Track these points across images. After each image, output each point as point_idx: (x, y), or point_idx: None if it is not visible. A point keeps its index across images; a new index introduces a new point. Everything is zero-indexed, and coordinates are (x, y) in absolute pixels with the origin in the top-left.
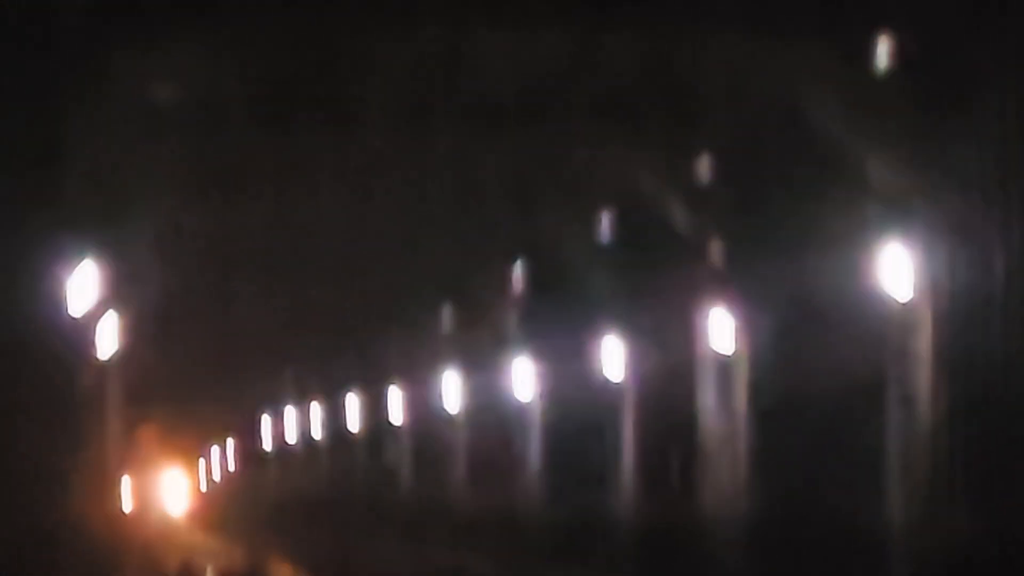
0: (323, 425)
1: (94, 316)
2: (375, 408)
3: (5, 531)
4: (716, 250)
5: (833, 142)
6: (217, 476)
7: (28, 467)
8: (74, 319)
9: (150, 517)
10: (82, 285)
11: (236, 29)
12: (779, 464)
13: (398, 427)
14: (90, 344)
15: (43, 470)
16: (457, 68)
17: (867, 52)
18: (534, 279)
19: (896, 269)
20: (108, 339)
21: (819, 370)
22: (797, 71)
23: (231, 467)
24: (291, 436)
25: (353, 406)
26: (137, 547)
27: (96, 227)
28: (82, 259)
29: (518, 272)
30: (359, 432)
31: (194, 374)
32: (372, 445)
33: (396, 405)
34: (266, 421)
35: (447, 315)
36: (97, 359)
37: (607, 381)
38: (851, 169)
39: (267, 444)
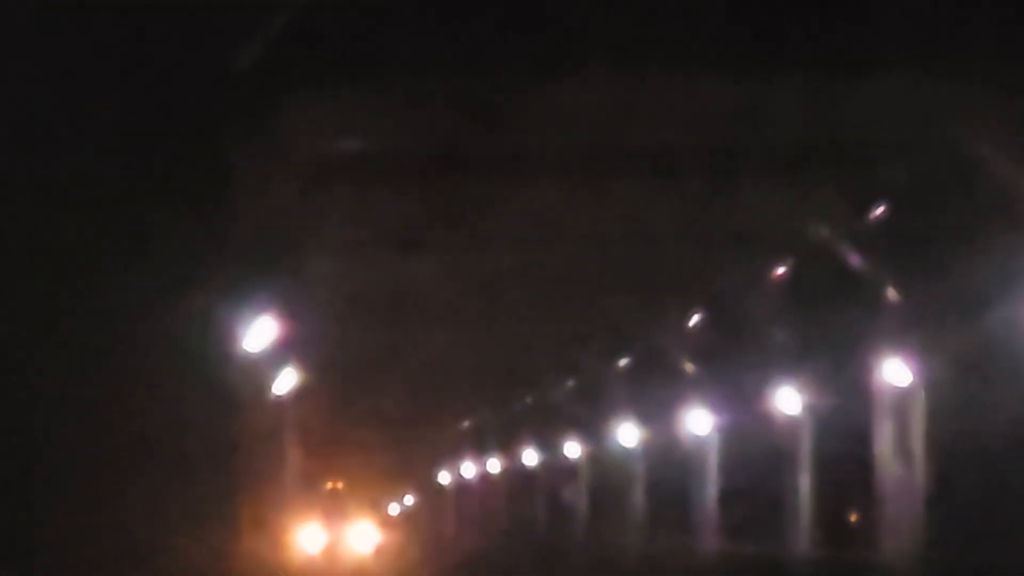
0: (503, 469)
1: (271, 361)
2: (554, 452)
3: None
4: (892, 294)
5: (1008, 183)
6: (397, 520)
7: (193, 504)
8: (252, 362)
9: (329, 561)
10: (261, 333)
11: (409, 80)
12: (959, 505)
13: (576, 469)
14: (267, 387)
15: (209, 508)
16: (629, 117)
17: None
18: (711, 324)
19: None
20: (285, 383)
21: (998, 412)
22: (969, 113)
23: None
24: (471, 479)
25: (532, 451)
26: None
27: (273, 278)
28: (261, 308)
29: (695, 318)
30: (538, 474)
31: (372, 422)
32: (552, 490)
33: (574, 449)
34: (446, 468)
35: (625, 361)
36: (273, 400)
37: (783, 421)
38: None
39: (447, 487)
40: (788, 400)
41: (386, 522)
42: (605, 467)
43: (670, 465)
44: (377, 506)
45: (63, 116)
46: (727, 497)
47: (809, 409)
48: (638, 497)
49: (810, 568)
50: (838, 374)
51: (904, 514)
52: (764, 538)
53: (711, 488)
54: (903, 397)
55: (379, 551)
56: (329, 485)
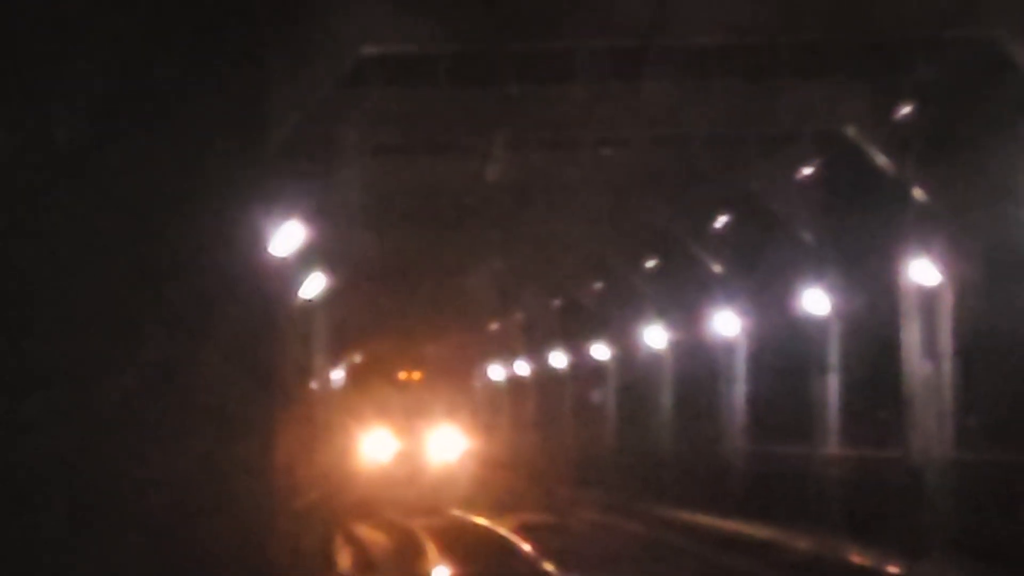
0: (532, 373)
1: (298, 264)
2: (583, 356)
3: (183, 465)
4: (921, 193)
5: None
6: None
7: (216, 404)
8: (279, 265)
9: (405, 472)
10: (289, 236)
11: None
12: (987, 405)
13: (606, 372)
14: (293, 289)
15: (231, 409)
16: (662, 18)
17: None
18: (739, 226)
19: None
20: (312, 286)
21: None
22: (999, 11)
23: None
24: (500, 383)
25: (561, 355)
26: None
27: (306, 180)
28: (290, 213)
29: (724, 219)
30: (568, 377)
31: (400, 326)
32: (581, 392)
33: (604, 352)
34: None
35: (654, 262)
36: (300, 302)
37: (810, 321)
38: None
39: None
40: (817, 301)
41: (472, 425)
42: (635, 372)
43: (698, 366)
44: (459, 405)
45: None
46: (755, 399)
47: (837, 310)
48: (667, 399)
49: (839, 468)
50: (867, 275)
51: (932, 414)
52: (793, 439)
53: (739, 390)
54: (931, 297)
55: (465, 460)
56: (402, 375)
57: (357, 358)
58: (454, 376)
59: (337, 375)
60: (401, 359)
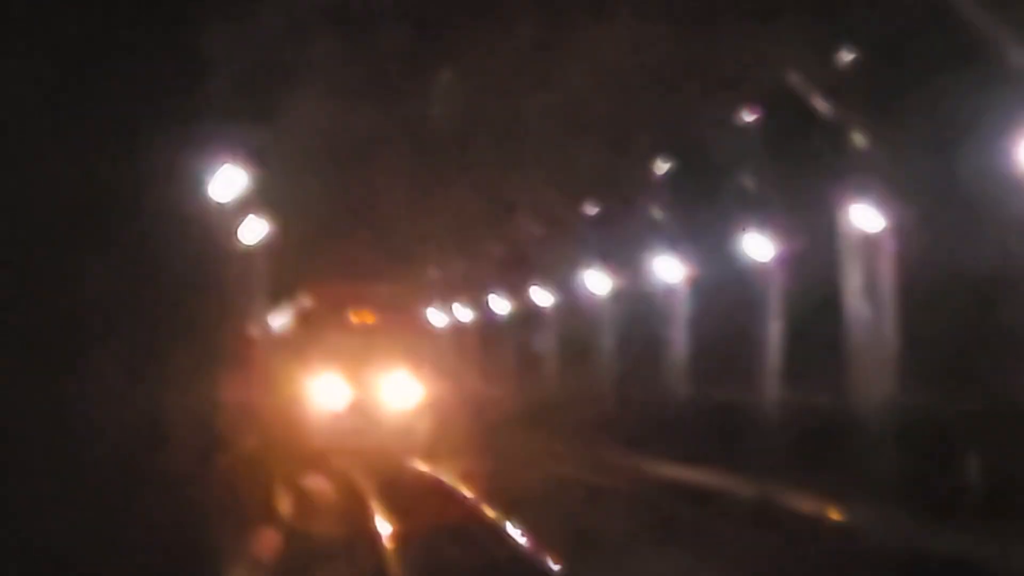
0: (472, 317)
1: (239, 209)
2: (522, 298)
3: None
4: (862, 139)
5: (976, 26)
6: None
7: (157, 350)
8: (219, 210)
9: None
10: (228, 181)
11: None
12: (928, 350)
13: (547, 318)
14: (233, 234)
15: (172, 355)
16: None
17: None
18: (681, 172)
19: None
20: (252, 230)
21: (966, 255)
22: None
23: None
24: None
25: (500, 298)
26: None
27: (244, 126)
28: (229, 156)
29: (665, 164)
30: (507, 321)
31: (341, 271)
32: (519, 334)
33: (545, 298)
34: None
35: (595, 208)
36: (241, 247)
37: (752, 267)
38: (994, 57)
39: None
40: (758, 247)
41: (430, 370)
42: (574, 316)
43: (640, 313)
44: (418, 347)
45: None
46: (698, 344)
47: (779, 255)
48: (609, 345)
49: (781, 412)
50: (808, 220)
51: (874, 359)
52: (735, 384)
53: (681, 335)
54: (873, 242)
55: (423, 408)
56: (354, 318)
57: (305, 300)
58: (408, 320)
59: (283, 320)
60: (352, 300)
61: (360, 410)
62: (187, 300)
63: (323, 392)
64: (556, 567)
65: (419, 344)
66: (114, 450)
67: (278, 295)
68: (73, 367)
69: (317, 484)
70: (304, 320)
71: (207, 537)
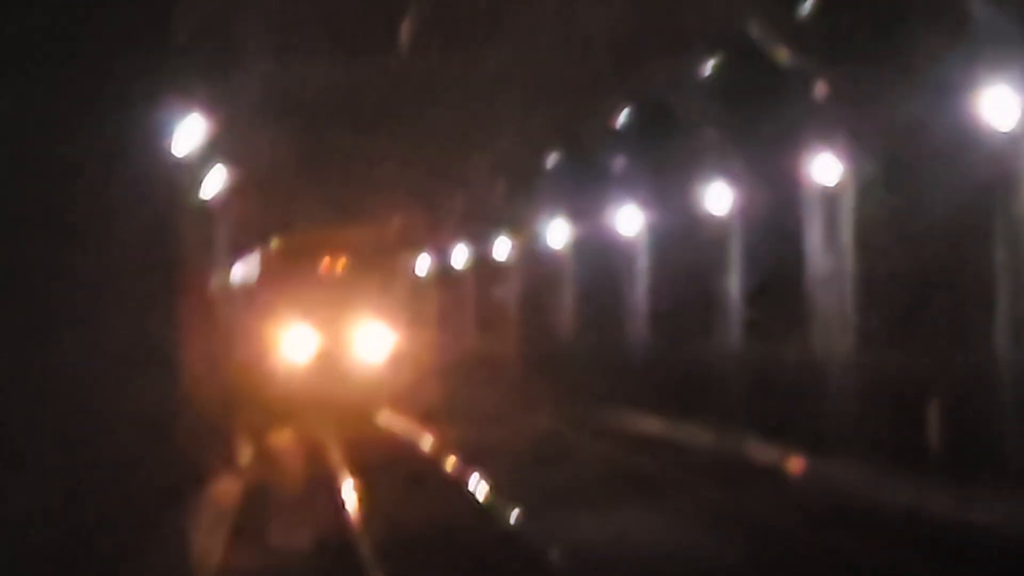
0: (433, 268)
1: (200, 164)
2: (484, 251)
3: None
4: (822, 89)
5: None
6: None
7: (127, 304)
8: (179, 163)
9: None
10: (188, 133)
11: None
12: (885, 298)
13: (509, 269)
14: (195, 190)
15: (142, 307)
16: None
17: None
18: (643, 124)
19: (999, 103)
20: (213, 186)
21: (925, 205)
22: None
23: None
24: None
25: (461, 250)
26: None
27: (204, 78)
28: (189, 109)
29: (625, 115)
30: (468, 273)
31: (303, 222)
32: (484, 289)
33: (503, 248)
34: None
35: (554, 161)
36: (201, 202)
37: (713, 218)
38: (956, 7)
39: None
40: (719, 198)
41: (402, 319)
42: (536, 269)
43: (600, 264)
44: (392, 294)
45: None
46: (659, 295)
47: (740, 207)
48: (570, 296)
49: (741, 364)
50: (769, 172)
51: (834, 311)
52: (696, 335)
53: (643, 286)
54: (833, 194)
55: (395, 360)
56: (325, 264)
57: (273, 247)
58: (382, 265)
59: (249, 270)
60: (323, 246)
61: (329, 362)
62: (152, 253)
63: (291, 344)
64: (515, 519)
65: (394, 291)
66: (76, 406)
67: (242, 247)
68: (39, 318)
69: (281, 437)
70: (271, 268)
71: (168, 487)
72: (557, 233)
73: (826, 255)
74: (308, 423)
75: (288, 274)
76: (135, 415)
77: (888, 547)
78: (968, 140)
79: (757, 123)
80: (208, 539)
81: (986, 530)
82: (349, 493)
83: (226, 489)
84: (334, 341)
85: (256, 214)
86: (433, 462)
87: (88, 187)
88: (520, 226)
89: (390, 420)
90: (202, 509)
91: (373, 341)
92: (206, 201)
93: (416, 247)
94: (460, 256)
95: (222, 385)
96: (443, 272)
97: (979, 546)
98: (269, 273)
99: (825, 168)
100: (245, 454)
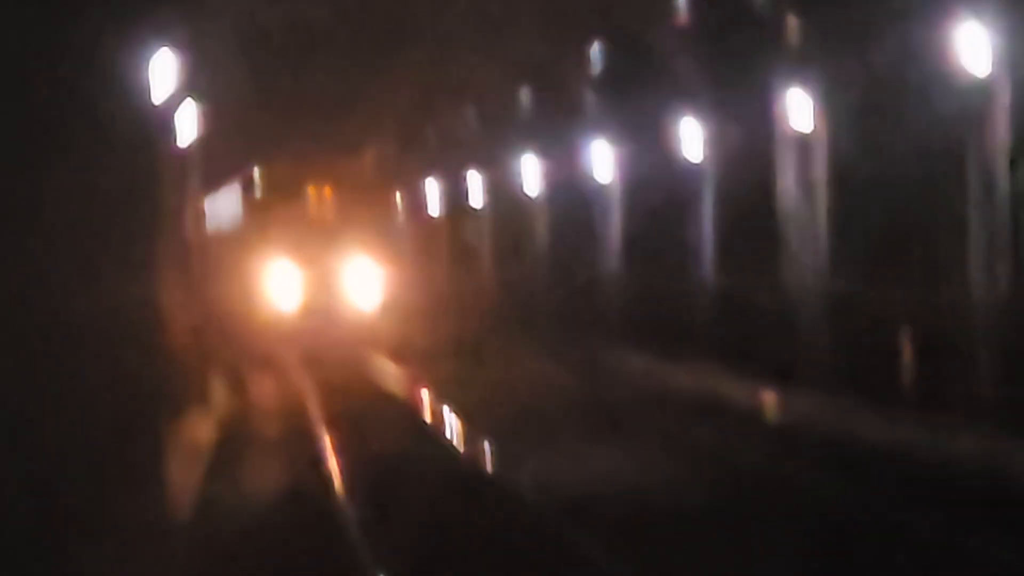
0: (405, 209)
1: (173, 103)
2: (455, 191)
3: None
4: (798, 31)
5: None
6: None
7: (104, 247)
8: (154, 106)
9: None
10: (162, 74)
11: None
12: (859, 235)
13: (478, 209)
14: (169, 130)
15: (119, 251)
16: None
17: None
18: (616, 63)
19: (972, 45)
20: (188, 126)
21: (898, 142)
22: None
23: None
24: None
25: (433, 189)
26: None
27: (178, 15)
28: (161, 48)
29: (597, 54)
30: (439, 210)
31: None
32: (452, 227)
33: (475, 187)
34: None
35: (525, 97)
36: (177, 145)
37: (687, 158)
38: None
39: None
40: (692, 136)
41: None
42: (508, 209)
43: (575, 203)
44: (382, 231)
45: None
46: (631, 230)
47: (714, 145)
48: (543, 235)
49: (713, 299)
50: (743, 113)
51: (807, 250)
52: (668, 271)
53: (615, 221)
54: (806, 134)
55: (385, 300)
56: (311, 192)
57: (256, 181)
58: (372, 200)
59: (231, 207)
60: (309, 179)
61: (316, 303)
62: (132, 195)
63: (275, 284)
64: (491, 466)
65: (383, 228)
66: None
67: (220, 184)
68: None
69: (260, 381)
70: (255, 204)
71: (144, 426)
72: (530, 170)
73: (800, 193)
74: (288, 362)
75: (271, 208)
76: (116, 357)
77: (860, 480)
78: (941, 79)
79: (731, 62)
80: (184, 475)
81: (960, 463)
82: (325, 434)
83: (203, 429)
84: (321, 280)
85: (233, 151)
86: (411, 401)
87: (60, 127)
88: (494, 164)
89: (380, 360)
90: (180, 448)
91: (363, 280)
92: (182, 139)
93: (397, 181)
94: (433, 192)
95: (205, 331)
96: (416, 208)
97: (952, 479)
98: (251, 208)
99: (798, 107)
100: (221, 394)
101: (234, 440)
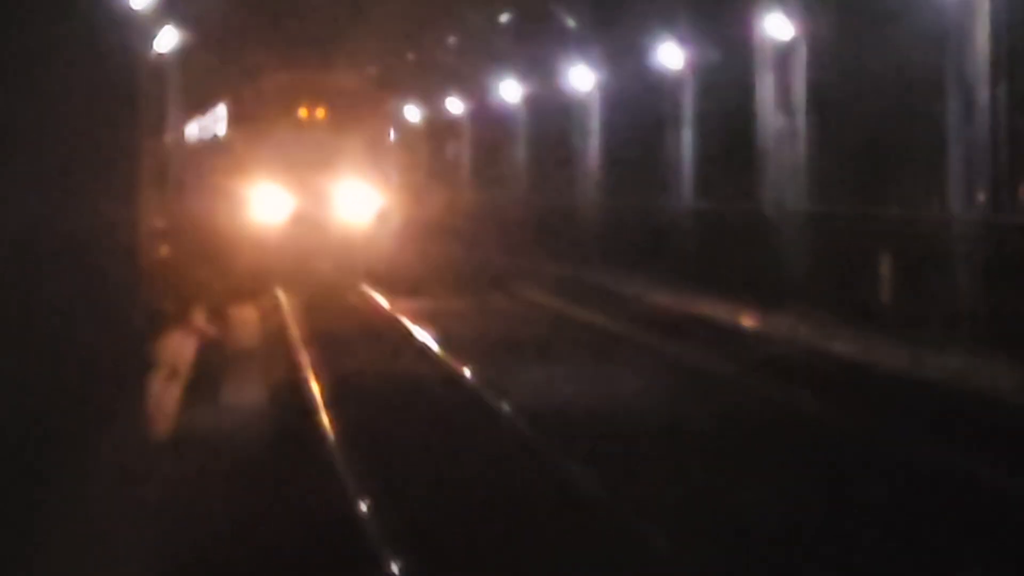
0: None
1: (154, 17)
2: (439, 111)
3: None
4: None
5: None
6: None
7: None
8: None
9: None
10: None
11: None
12: (837, 155)
13: (461, 127)
14: (149, 41)
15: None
16: None
17: None
18: None
19: None
20: (167, 38)
21: (875, 61)
22: None
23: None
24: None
25: (414, 106)
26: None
27: None
28: None
29: None
30: (420, 129)
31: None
32: (437, 147)
33: (458, 106)
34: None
35: (506, 16)
36: (157, 55)
37: (665, 75)
38: None
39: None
40: (671, 55)
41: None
42: (487, 122)
43: (553, 122)
44: (377, 148)
45: None
46: (611, 152)
47: (692, 64)
48: (522, 155)
49: (694, 221)
50: (722, 29)
51: (786, 167)
52: (648, 193)
53: (594, 144)
54: (785, 51)
55: (380, 219)
56: (303, 112)
57: (244, 95)
58: (366, 115)
59: (217, 123)
60: (300, 92)
61: (306, 224)
62: (108, 111)
63: (263, 203)
64: (469, 375)
65: (379, 145)
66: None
67: (202, 103)
68: None
69: (244, 302)
70: (243, 119)
71: (122, 344)
72: (510, 90)
73: (778, 110)
74: (272, 283)
75: (262, 123)
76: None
77: (838, 401)
78: None
79: None
80: (164, 394)
81: (937, 385)
82: (303, 350)
83: (182, 347)
84: (312, 200)
85: (216, 68)
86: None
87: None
88: (473, 83)
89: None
90: (158, 366)
91: (356, 199)
92: (162, 55)
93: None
94: (414, 112)
95: (186, 251)
96: (398, 127)
97: (930, 400)
98: (241, 123)
99: (777, 26)
100: (199, 318)
101: (211, 357)
